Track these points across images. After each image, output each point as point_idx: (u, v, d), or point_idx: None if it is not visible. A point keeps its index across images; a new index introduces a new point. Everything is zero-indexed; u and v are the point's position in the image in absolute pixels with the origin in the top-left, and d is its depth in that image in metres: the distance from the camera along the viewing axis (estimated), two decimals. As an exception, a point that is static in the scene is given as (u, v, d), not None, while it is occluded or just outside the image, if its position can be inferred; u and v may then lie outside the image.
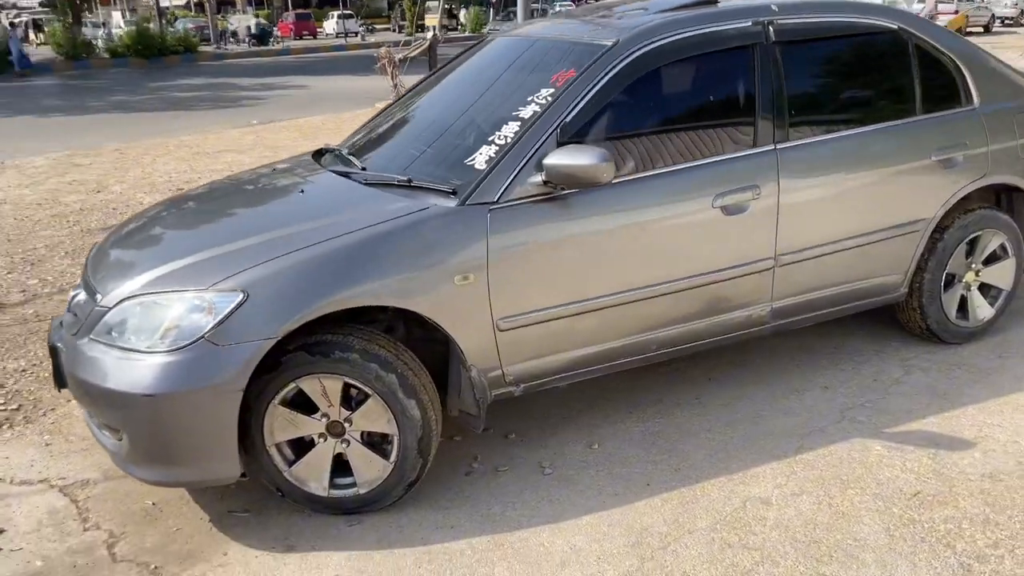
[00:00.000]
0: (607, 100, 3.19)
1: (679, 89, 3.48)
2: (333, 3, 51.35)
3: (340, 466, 2.97)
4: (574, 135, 3.09)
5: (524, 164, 3.02)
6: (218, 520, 3.03)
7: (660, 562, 2.69)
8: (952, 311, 3.98)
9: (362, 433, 2.94)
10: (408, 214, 2.95)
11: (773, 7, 3.51)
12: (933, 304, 3.91)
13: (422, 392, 2.90)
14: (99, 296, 2.95)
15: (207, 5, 37.64)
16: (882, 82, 3.74)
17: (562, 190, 3.02)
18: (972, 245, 3.95)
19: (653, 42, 3.28)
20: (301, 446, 2.95)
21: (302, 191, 3.43)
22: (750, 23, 3.43)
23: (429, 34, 15.79)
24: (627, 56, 3.23)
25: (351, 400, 2.91)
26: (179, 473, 2.80)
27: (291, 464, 2.93)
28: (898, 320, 4.11)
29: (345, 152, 3.74)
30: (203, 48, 32.70)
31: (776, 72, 3.43)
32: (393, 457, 2.92)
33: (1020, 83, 4.04)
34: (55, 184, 8.76)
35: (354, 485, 2.97)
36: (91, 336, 2.86)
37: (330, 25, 44.18)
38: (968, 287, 4.01)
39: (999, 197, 4.15)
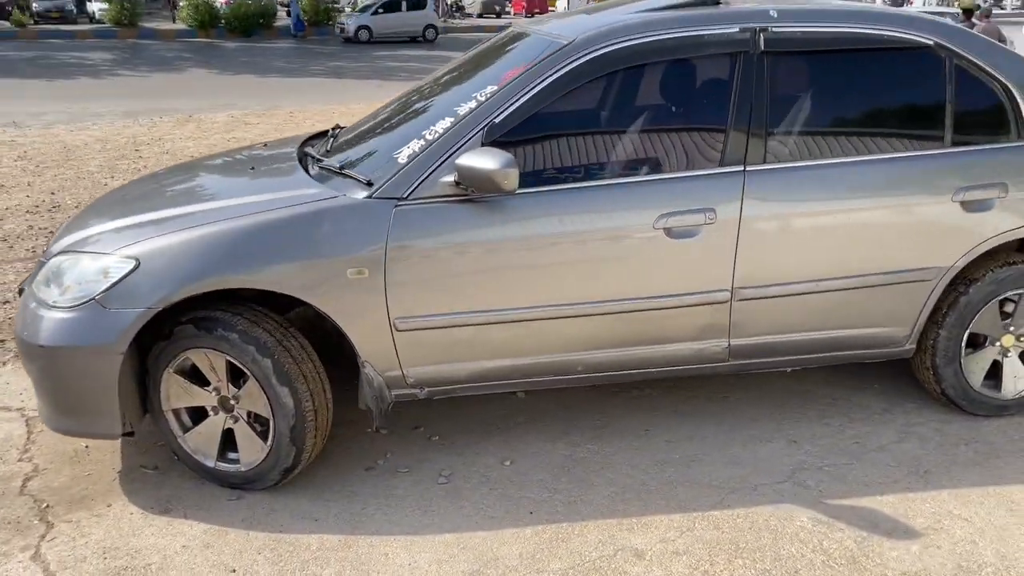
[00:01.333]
0: (549, 102, 2.99)
1: (640, 97, 3.21)
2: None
3: (233, 442, 3.04)
4: (503, 136, 2.94)
5: (441, 162, 2.91)
6: (126, 473, 3.20)
7: (483, 597, 2.54)
8: (976, 377, 3.40)
9: (248, 412, 2.98)
10: (311, 202, 2.94)
11: (772, 13, 3.13)
12: (949, 367, 3.36)
13: (298, 381, 2.89)
14: (48, 248, 3.18)
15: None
16: (899, 106, 3.22)
17: (472, 192, 2.89)
18: (1016, 304, 3.36)
19: (613, 44, 3.03)
20: (200, 416, 3.05)
21: (252, 169, 3.50)
22: (737, 29, 3.08)
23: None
24: (579, 57, 3.01)
25: (240, 379, 2.96)
26: (68, 424, 2.98)
27: (186, 431, 3.04)
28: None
29: (330, 135, 3.76)
30: (433, 20, 34.07)
31: (759, 86, 3.06)
32: (269, 441, 2.95)
33: None
34: (218, 140, 9.52)
35: (239, 462, 3.03)
36: (32, 284, 3.09)
37: (562, 3, 44.54)
38: (1004, 352, 3.41)
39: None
